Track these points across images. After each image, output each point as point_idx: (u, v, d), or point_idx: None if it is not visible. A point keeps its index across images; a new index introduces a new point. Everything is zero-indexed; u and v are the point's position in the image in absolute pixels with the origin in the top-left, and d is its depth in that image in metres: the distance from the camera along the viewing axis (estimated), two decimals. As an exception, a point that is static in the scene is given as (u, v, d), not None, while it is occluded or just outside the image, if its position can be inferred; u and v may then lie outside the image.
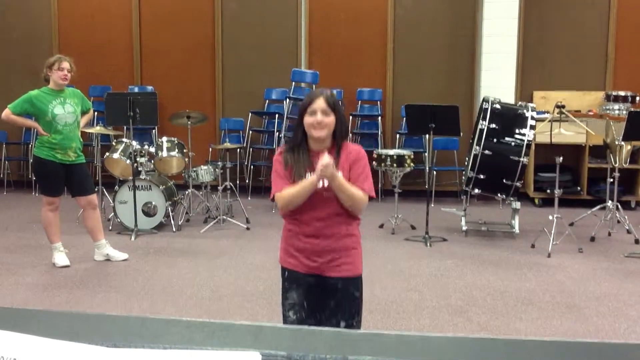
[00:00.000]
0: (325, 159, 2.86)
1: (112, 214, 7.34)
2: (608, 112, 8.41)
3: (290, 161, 3.04)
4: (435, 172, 8.84)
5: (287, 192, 2.99)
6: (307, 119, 3.01)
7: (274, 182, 3.08)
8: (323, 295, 3.12)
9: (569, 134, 7.04)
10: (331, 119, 3.01)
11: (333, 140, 3.06)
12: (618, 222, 7.17)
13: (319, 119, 2.99)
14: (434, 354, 0.92)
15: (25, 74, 9.35)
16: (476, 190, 6.90)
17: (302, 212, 3.03)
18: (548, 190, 8.48)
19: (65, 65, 5.66)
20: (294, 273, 3.11)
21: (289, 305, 3.13)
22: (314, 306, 3.14)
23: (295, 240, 3.08)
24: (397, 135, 9.51)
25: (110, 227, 7.25)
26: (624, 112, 8.15)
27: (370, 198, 3.04)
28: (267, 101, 9.77)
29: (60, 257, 5.90)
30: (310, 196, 2.98)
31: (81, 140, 5.93)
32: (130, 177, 7.11)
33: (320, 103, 3.01)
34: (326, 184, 2.97)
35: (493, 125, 6.68)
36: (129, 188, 7.09)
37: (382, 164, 7.28)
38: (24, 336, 0.95)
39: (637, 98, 8.61)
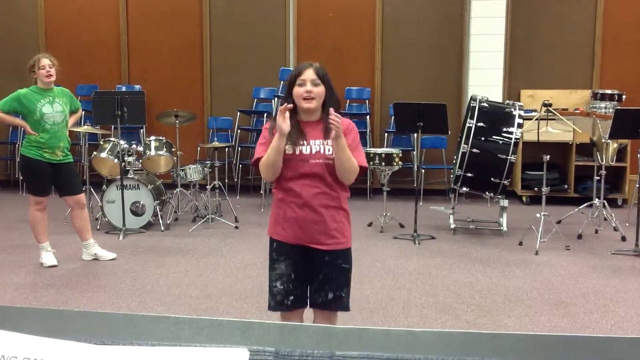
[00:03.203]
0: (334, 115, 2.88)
1: (100, 213, 7.31)
2: (595, 110, 8.46)
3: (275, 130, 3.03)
4: (423, 171, 8.86)
5: (264, 157, 3.00)
6: (297, 90, 3.01)
7: (257, 149, 3.09)
8: (311, 267, 3.12)
9: (556, 132, 7.07)
10: (321, 89, 3.01)
11: (323, 111, 3.05)
12: (605, 219, 7.21)
13: (309, 89, 2.99)
14: (420, 348, 0.93)
15: (12, 74, 9.27)
16: (464, 189, 6.93)
17: (292, 181, 3.03)
18: (535, 188, 8.53)
19: (45, 62, 5.62)
20: (282, 244, 3.12)
21: (277, 275, 3.13)
22: (302, 277, 3.14)
23: (284, 211, 3.08)
24: (386, 134, 9.52)
25: (98, 227, 7.22)
26: (611, 110, 8.20)
27: (363, 171, 3.06)
28: (255, 100, 9.76)
29: (48, 257, 5.87)
30: (300, 166, 2.99)
31: (69, 139, 5.91)
32: (118, 177, 7.08)
33: (309, 74, 3.00)
34: (314, 151, 2.98)
35: (481, 124, 6.71)
36: (117, 187, 7.06)
37: (371, 163, 7.29)
38: (11, 334, 0.95)
39: (624, 96, 8.67)
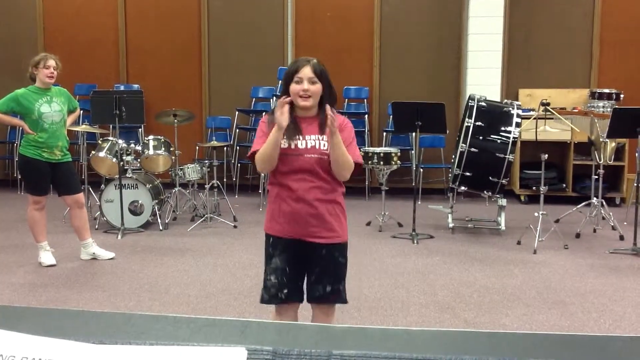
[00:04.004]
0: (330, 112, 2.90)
1: (99, 212, 7.31)
2: (593, 109, 8.46)
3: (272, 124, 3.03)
4: (422, 170, 8.86)
5: (260, 150, 3.01)
6: (294, 87, 3.01)
7: (255, 141, 3.11)
8: (308, 261, 3.12)
9: (554, 131, 7.08)
10: (318, 87, 3.01)
11: (320, 108, 3.05)
12: (603, 218, 7.22)
13: (306, 87, 2.98)
14: (418, 347, 0.93)
15: (10, 73, 9.28)
16: (462, 188, 6.93)
17: (287, 176, 3.03)
18: (534, 187, 8.54)
19: (51, 63, 5.63)
20: (278, 239, 3.13)
21: (271, 269, 3.14)
22: (297, 272, 3.14)
23: (280, 205, 3.08)
24: (384, 133, 9.53)
25: (97, 226, 7.22)
26: (609, 109, 8.21)
27: (358, 167, 3.06)
28: (253, 99, 9.76)
29: (47, 256, 5.87)
30: (295, 160, 2.99)
31: (67, 139, 5.91)
32: (117, 176, 7.08)
33: (307, 71, 3.00)
34: (309, 145, 2.99)
35: (479, 123, 6.71)
36: (115, 187, 7.06)
37: (369, 162, 7.30)
38: (10, 333, 0.95)
39: (622, 95, 8.67)
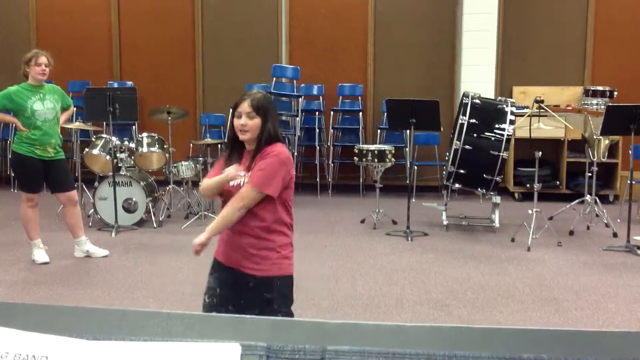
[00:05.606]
0: (231, 170, 3.01)
1: (92, 210, 7.29)
2: (586, 106, 8.48)
3: (225, 157, 3.15)
4: (416, 167, 8.87)
5: (206, 180, 3.18)
6: (235, 121, 3.07)
7: (214, 167, 3.24)
8: (237, 290, 3.12)
9: (548, 128, 7.09)
10: (255, 122, 3.01)
11: (257, 143, 3.04)
12: (596, 215, 7.24)
13: (242, 122, 3.01)
14: (411, 343, 0.93)
15: (3, 70, 9.23)
16: (457, 185, 6.94)
17: (223, 204, 3.09)
18: (528, 185, 8.54)
19: (43, 60, 5.61)
20: (216, 261, 3.20)
21: (207, 288, 3.21)
22: (227, 296, 3.16)
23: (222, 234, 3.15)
24: (378, 131, 9.53)
25: (91, 224, 7.20)
26: (602, 106, 8.22)
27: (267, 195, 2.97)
28: (248, 97, 9.74)
29: (40, 254, 5.85)
30: (226, 193, 3.05)
31: (61, 136, 5.89)
32: (110, 173, 7.07)
33: (244, 106, 3.04)
34: (237, 183, 3.03)
35: (473, 120, 6.72)
36: (109, 184, 7.05)
37: (363, 159, 7.30)
38: (3, 329, 0.95)
39: (615, 93, 8.69)
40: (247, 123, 3.00)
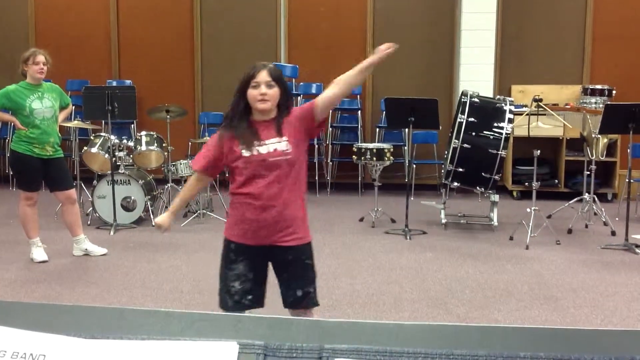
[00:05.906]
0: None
1: (91, 208, 7.29)
2: (585, 105, 8.48)
3: (226, 136, 3.08)
4: (414, 166, 8.87)
5: (185, 187, 3.43)
6: (251, 92, 3.02)
7: (201, 153, 3.21)
8: (275, 267, 3.13)
9: (546, 127, 7.10)
10: (275, 91, 3.03)
11: (278, 111, 3.08)
12: (595, 214, 7.24)
13: (263, 92, 3.00)
14: (410, 341, 0.93)
15: (2, 69, 9.22)
16: (455, 184, 6.94)
17: (250, 183, 3.03)
18: (526, 183, 8.55)
19: (40, 58, 5.60)
20: (242, 245, 3.11)
21: (235, 276, 3.11)
22: (261, 278, 3.14)
23: (243, 213, 3.07)
24: (377, 129, 9.53)
25: (89, 222, 7.19)
26: (601, 105, 8.23)
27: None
28: (246, 95, 9.73)
29: (39, 253, 5.85)
30: (259, 166, 3.00)
31: (59, 135, 5.89)
32: (109, 172, 7.06)
33: (264, 75, 3.03)
34: (272, 149, 3.01)
35: (472, 119, 6.72)
36: (108, 182, 7.04)
37: (362, 158, 7.30)
38: (1, 328, 0.95)
39: (614, 92, 8.69)
40: (267, 92, 3.00)
